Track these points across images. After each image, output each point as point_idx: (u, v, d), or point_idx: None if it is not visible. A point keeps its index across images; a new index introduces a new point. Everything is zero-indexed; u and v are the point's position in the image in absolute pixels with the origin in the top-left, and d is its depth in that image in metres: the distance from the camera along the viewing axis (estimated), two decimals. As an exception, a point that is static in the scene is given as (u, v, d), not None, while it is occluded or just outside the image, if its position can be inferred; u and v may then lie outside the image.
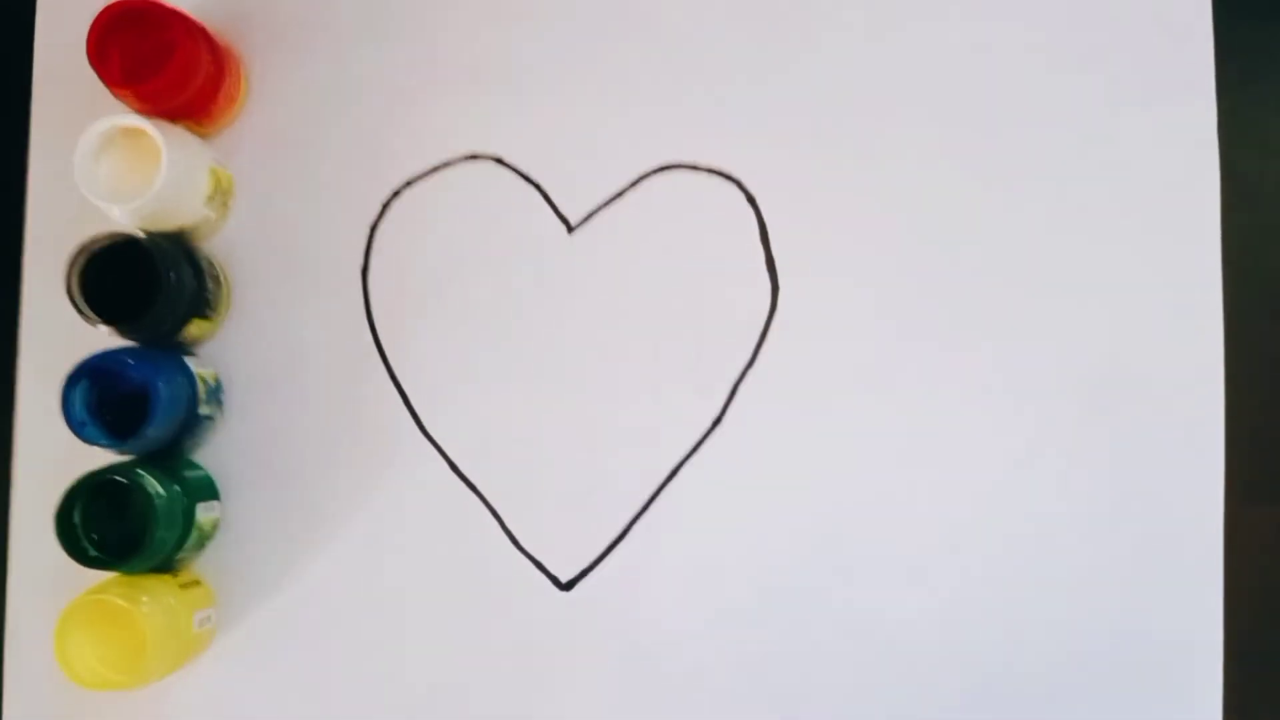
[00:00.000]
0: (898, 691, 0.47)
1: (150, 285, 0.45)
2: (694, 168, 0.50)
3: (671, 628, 0.48)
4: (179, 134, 0.47)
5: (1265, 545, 0.48)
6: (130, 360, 0.45)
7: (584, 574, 0.48)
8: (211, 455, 0.49)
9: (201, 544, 0.48)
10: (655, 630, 0.48)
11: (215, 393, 0.48)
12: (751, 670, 0.48)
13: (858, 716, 0.47)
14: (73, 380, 0.44)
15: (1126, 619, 0.47)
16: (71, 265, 0.45)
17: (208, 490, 0.48)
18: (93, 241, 0.45)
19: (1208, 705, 0.46)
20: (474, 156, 0.50)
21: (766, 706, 0.48)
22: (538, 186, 0.50)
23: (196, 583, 0.48)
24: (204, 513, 0.47)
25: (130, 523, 0.44)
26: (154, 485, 0.44)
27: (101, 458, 0.45)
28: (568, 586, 0.48)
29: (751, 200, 0.49)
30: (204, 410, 0.47)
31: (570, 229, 0.50)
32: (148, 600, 0.44)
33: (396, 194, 0.50)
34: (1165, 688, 0.47)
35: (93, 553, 0.44)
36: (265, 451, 0.49)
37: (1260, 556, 0.48)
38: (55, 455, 0.48)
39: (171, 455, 0.48)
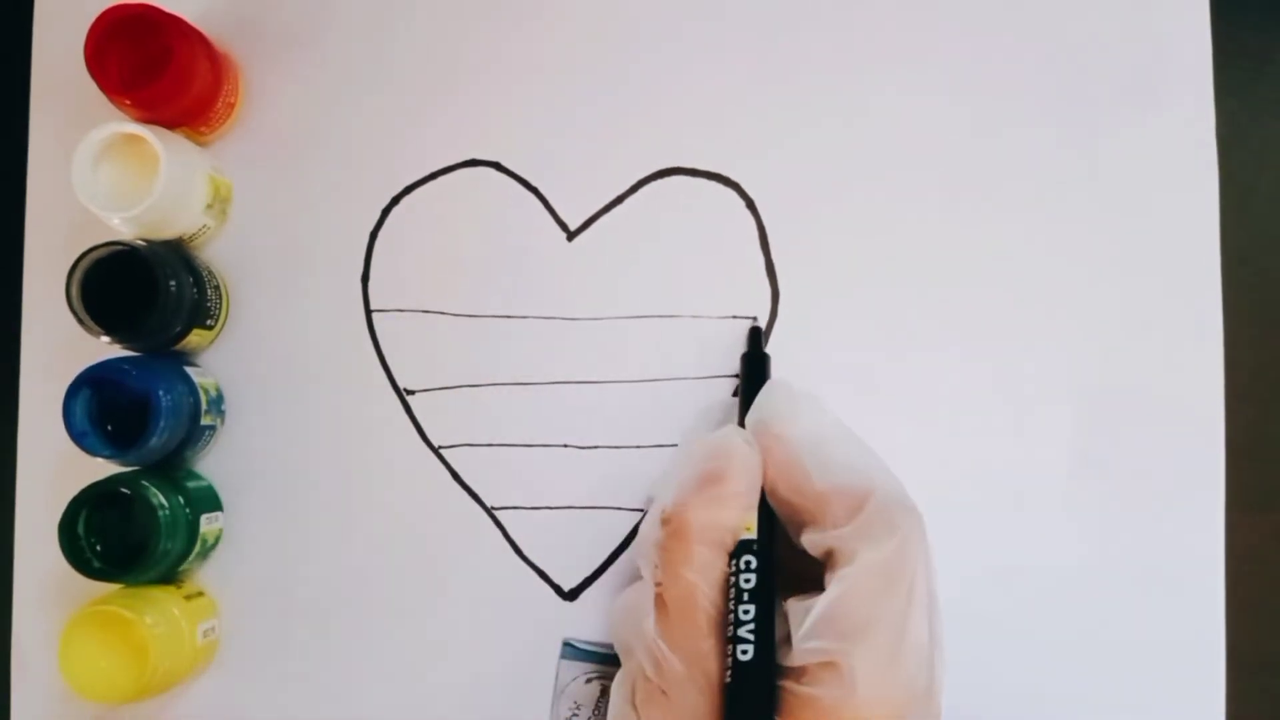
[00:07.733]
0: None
1: (150, 294, 0.45)
2: (693, 172, 0.50)
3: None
4: (177, 141, 0.47)
5: (1268, 553, 0.48)
6: (131, 370, 0.44)
7: (587, 583, 0.48)
8: (213, 466, 0.49)
9: (205, 555, 0.48)
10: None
11: (217, 402, 0.48)
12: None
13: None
14: (74, 390, 0.44)
15: (1128, 627, 0.47)
16: (71, 274, 0.44)
17: (210, 501, 0.48)
18: (92, 250, 0.45)
19: (1211, 715, 0.47)
20: (473, 162, 0.50)
21: None
22: (536, 192, 0.50)
23: (200, 594, 0.48)
24: (207, 523, 0.47)
25: (133, 534, 0.44)
26: (157, 496, 0.44)
27: (103, 468, 0.45)
28: (571, 596, 0.48)
29: (751, 205, 0.49)
30: (206, 420, 0.47)
31: (570, 235, 0.50)
32: (152, 612, 0.44)
33: (396, 200, 0.50)
34: (1167, 697, 0.47)
35: (97, 564, 0.44)
36: (267, 462, 0.49)
37: (1263, 564, 0.48)
38: (57, 465, 0.48)
39: (174, 465, 0.47)
